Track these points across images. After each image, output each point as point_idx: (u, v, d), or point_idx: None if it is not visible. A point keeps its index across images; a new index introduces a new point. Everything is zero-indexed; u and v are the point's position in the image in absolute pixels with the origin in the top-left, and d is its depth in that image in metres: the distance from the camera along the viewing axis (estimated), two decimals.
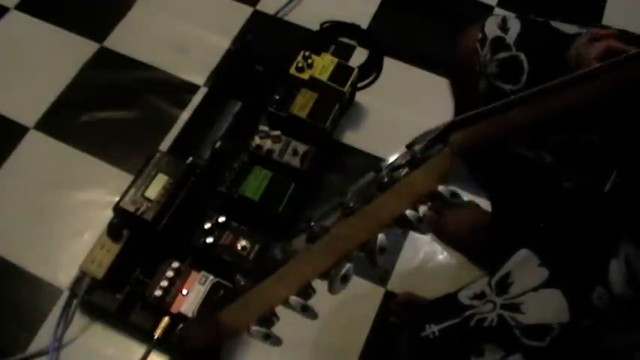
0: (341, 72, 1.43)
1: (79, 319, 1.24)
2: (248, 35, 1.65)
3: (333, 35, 1.67)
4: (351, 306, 1.27)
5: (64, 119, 1.52)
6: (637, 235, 0.63)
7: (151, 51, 1.63)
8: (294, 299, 0.58)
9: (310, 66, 1.44)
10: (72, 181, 1.43)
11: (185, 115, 1.52)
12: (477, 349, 0.69)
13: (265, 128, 1.35)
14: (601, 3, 1.75)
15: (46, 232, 1.35)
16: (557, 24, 0.88)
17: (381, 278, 1.31)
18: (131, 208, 1.21)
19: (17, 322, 1.25)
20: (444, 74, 1.31)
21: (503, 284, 0.69)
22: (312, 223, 0.60)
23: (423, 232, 0.61)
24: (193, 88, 1.57)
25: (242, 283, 0.59)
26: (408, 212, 0.61)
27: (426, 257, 1.35)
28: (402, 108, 1.55)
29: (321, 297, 0.61)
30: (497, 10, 1.73)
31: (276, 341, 0.58)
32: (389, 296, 1.29)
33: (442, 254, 1.35)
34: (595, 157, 0.82)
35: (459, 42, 0.95)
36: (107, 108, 1.54)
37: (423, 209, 0.61)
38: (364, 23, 1.69)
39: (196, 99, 1.54)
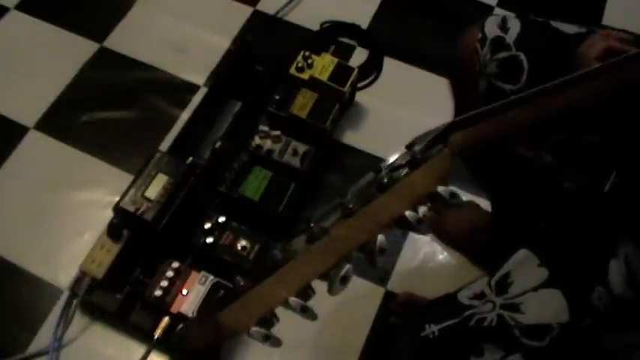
0: (341, 72, 1.43)
1: (79, 319, 1.24)
2: (248, 35, 1.65)
3: (333, 35, 1.67)
4: (351, 306, 1.27)
5: (64, 119, 1.52)
6: (637, 235, 0.64)
7: (151, 51, 1.63)
8: (293, 300, 0.58)
9: (310, 66, 1.44)
10: (72, 181, 1.43)
11: (185, 115, 1.52)
12: (476, 349, 0.69)
13: (265, 128, 1.35)
14: (601, 3, 1.75)
15: (46, 232, 1.35)
16: (557, 24, 0.88)
17: (381, 278, 1.31)
18: (131, 208, 1.21)
19: (17, 322, 1.25)
20: (444, 74, 1.31)
21: (502, 284, 0.69)
22: (312, 224, 0.60)
23: (423, 233, 0.61)
24: (193, 88, 1.57)
25: (242, 283, 0.59)
26: (408, 213, 0.61)
27: (426, 257, 1.35)
28: (402, 108, 1.55)
29: (321, 297, 0.61)
30: (497, 10, 1.73)
31: (275, 342, 0.58)
32: (389, 296, 1.29)
33: (442, 254, 1.35)
34: (595, 157, 0.82)
35: (459, 42, 0.95)
36: (107, 108, 1.54)
37: (422, 210, 0.61)
38: (364, 23, 1.69)
39: (196, 99, 1.54)
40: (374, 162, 1.44)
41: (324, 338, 1.24)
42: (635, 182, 0.66)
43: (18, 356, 1.20)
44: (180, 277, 1.19)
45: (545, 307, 0.66)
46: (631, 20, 1.26)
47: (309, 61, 1.44)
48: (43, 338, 1.22)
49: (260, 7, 1.73)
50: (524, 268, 0.68)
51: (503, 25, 0.89)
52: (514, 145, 0.91)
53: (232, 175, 1.32)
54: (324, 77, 1.42)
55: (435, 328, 0.73)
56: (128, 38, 1.66)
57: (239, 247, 1.22)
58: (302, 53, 1.44)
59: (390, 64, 1.63)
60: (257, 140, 1.34)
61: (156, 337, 1.16)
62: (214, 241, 1.23)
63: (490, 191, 1.21)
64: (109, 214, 1.24)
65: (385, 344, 1.23)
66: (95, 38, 1.65)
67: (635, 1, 1.74)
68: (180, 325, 1.16)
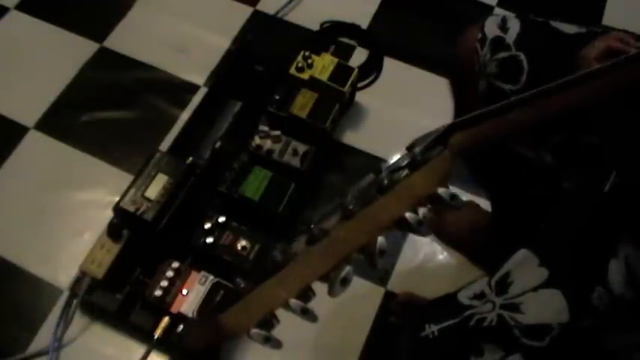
0: (341, 72, 1.43)
1: (79, 319, 1.24)
2: (248, 35, 1.65)
3: (333, 35, 1.67)
4: (351, 306, 1.27)
5: (64, 119, 1.52)
6: (637, 236, 0.64)
7: (151, 51, 1.63)
8: (294, 302, 0.58)
9: (310, 66, 1.44)
10: (72, 181, 1.43)
11: (185, 115, 1.52)
12: (476, 349, 0.69)
13: (265, 128, 1.35)
14: (601, 3, 1.75)
15: (46, 232, 1.35)
16: (557, 24, 0.88)
17: (381, 278, 1.31)
18: (131, 208, 1.21)
19: (17, 322, 1.25)
20: (444, 74, 1.31)
21: (502, 284, 0.69)
22: (312, 226, 0.60)
23: (423, 235, 0.61)
24: (193, 88, 1.57)
25: (242, 285, 0.59)
26: (408, 215, 0.61)
27: (426, 257, 1.35)
28: (402, 108, 1.55)
29: (321, 298, 0.61)
30: (497, 10, 1.73)
31: (276, 344, 0.58)
32: (389, 296, 1.29)
33: (442, 254, 1.35)
34: (595, 158, 0.82)
35: (459, 42, 0.95)
36: (107, 108, 1.54)
37: (422, 211, 0.61)
38: (364, 23, 1.69)
39: (196, 99, 1.54)
40: (374, 162, 1.44)
41: (324, 338, 1.24)
42: (635, 182, 0.66)
43: (18, 356, 1.20)
44: (180, 277, 1.19)
45: (545, 307, 0.66)
46: (631, 20, 1.26)
47: (309, 61, 1.44)
48: (43, 338, 1.22)
49: (260, 7, 1.73)
50: (524, 268, 0.68)
51: (503, 25, 0.89)
52: (514, 145, 0.91)
53: (232, 175, 1.32)
54: (324, 77, 1.42)
55: (435, 328, 0.73)
56: (128, 38, 1.66)
57: (239, 247, 1.22)
58: (302, 53, 1.44)
59: (390, 64, 1.63)
60: (257, 140, 1.34)
61: (156, 337, 1.16)
62: (214, 241, 1.23)
63: (490, 191, 1.21)
64: (109, 214, 1.24)
65: (385, 344, 1.23)
66: (95, 38, 1.65)
67: (635, 1, 1.74)
68: (181, 327, 1.16)
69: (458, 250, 1.35)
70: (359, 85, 1.55)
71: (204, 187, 1.31)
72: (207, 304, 1.16)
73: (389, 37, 1.67)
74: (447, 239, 1.35)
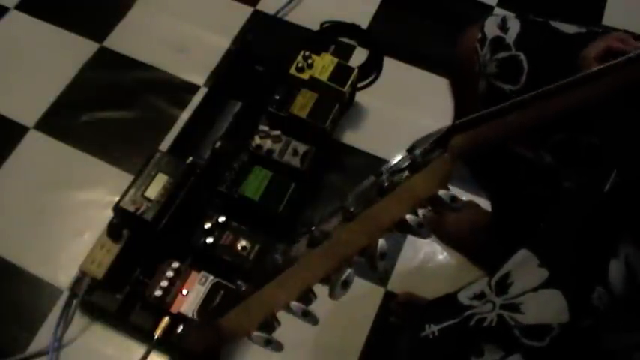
0: (341, 72, 1.43)
1: (79, 319, 1.24)
2: (248, 35, 1.65)
3: (333, 35, 1.67)
4: (351, 306, 1.27)
5: (64, 119, 1.52)
6: (637, 236, 0.64)
7: (151, 51, 1.63)
8: (295, 304, 0.58)
9: (310, 66, 1.44)
10: (72, 181, 1.43)
11: (185, 115, 1.52)
12: (476, 349, 0.69)
13: (265, 128, 1.35)
14: (601, 3, 1.75)
15: (46, 232, 1.35)
16: (556, 24, 0.88)
17: (381, 278, 1.31)
18: (131, 208, 1.21)
19: (17, 322, 1.25)
20: (444, 74, 1.31)
21: (502, 284, 0.69)
22: (313, 228, 0.60)
23: (424, 237, 0.61)
24: (193, 88, 1.57)
25: (243, 288, 0.59)
26: (409, 217, 0.61)
27: (426, 257, 1.35)
28: (402, 108, 1.55)
29: (321, 298, 0.61)
30: (497, 10, 1.73)
31: (277, 346, 0.58)
32: (389, 296, 1.29)
33: (442, 254, 1.35)
34: (595, 158, 0.82)
35: (459, 42, 0.95)
36: (107, 108, 1.54)
37: (423, 213, 0.61)
38: (364, 23, 1.69)
39: (196, 99, 1.54)
40: (374, 162, 1.44)
41: (324, 338, 1.24)
42: (635, 182, 0.66)
43: (18, 356, 1.20)
44: (180, 277, 1.19)
45: (545, 307, 0.66)
46: (631, 20, 1.26)
47: (309, 61, 1.44)
48: (43, 338, 1.22)
49: (260, 7, 1.73)
50: (524, 268, 0.68)
51: (503, 25, 0.89)
52: (514, 146, 0.91)
53: (232, 175, 1.32)
54: (324, 77, 1.42)
55: (435, 328, 0.73)
56: (128, 38, 1.66)
57: (239, 247, 1.23)
58: (302, 53, 1.44)
59: (390, 64, 1.63)
60: (257, 140, 1.34)
61: (156, 337, 1.16)
62: (214, 241, 1.23)
63: (490, 191, 1.21)
64: (109, 214, 1.24)
65: (385, 344, 1.23)
66: (95, 38, 1.65)
67: (635, 1, 1.74)
68: (181, 327, 1.16)
69: (458, 250, 1.35)
70: (359, 85, 1.55)
71: (204, 187, 1.31)
72: (207, 304, 1.16)
73: (389, 37, 1.67)
74: (447, 239, 1.35)
